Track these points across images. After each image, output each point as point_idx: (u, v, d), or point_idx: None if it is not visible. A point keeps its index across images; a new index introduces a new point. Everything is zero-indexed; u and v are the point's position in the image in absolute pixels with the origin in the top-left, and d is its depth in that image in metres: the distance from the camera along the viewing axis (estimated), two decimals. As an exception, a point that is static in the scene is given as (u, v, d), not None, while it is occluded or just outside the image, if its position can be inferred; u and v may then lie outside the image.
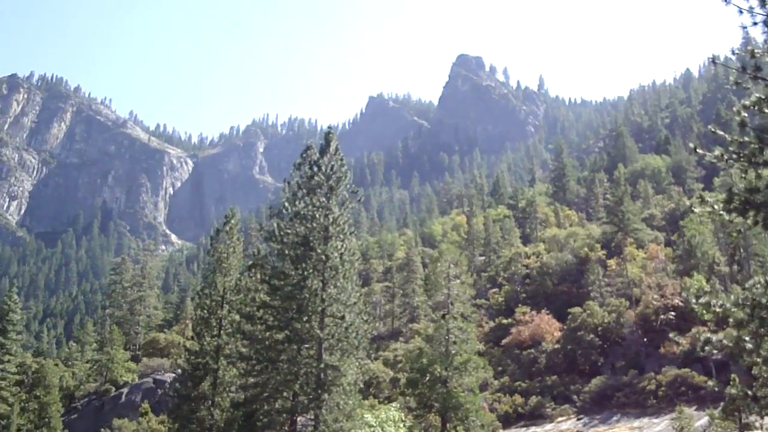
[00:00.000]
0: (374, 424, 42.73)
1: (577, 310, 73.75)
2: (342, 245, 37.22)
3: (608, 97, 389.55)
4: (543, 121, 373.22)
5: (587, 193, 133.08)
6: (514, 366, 72.17)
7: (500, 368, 71.90)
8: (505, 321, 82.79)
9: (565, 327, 73.91)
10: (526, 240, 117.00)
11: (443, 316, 46.62)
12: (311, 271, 36.49)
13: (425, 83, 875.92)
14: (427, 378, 44.52)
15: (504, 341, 77.64)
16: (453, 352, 44.70)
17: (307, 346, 36.28)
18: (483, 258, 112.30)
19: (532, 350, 73.08)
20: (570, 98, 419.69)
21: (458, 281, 51.67)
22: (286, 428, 36.61)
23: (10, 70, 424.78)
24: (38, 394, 64.34)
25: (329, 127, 42.21)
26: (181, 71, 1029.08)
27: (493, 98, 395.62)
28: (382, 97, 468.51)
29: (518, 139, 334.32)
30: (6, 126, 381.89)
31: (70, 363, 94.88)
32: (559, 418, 60.77)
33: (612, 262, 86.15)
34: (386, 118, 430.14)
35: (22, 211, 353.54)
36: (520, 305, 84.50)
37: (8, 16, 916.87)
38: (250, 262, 43.67)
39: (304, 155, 38.98)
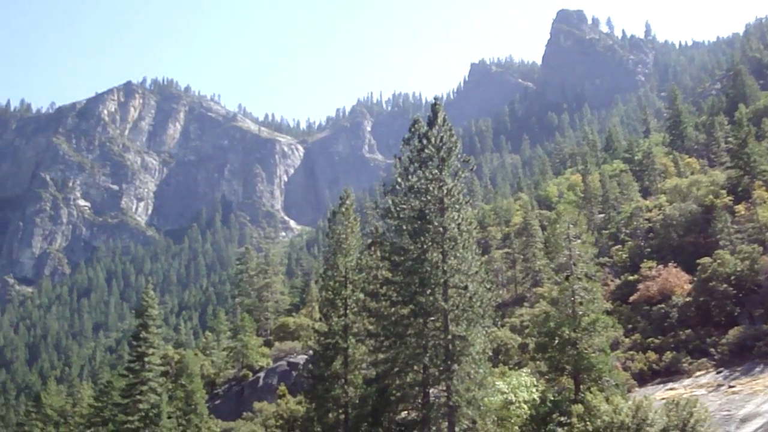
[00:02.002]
0: (506, 391, 42.74)
1: (706, 260, 70.96)
2: (458, 215, 37.18)
3: (722, 35, 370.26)
4: (653, 69, 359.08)
5: (707, 138, 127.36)
6: (644, 322, 70.30)
7: (630, 326, 70.18)
8: (631, 277, 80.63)
9: (695, 279, 71.31)
10: (645, 193, 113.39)
11: (567, 278, 45.86)
12: (430, 243, 36.64)
13: (527, 44, 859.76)
14: (556, 341, 43.94)
15: (632, 298, 75.65)
16: (580, 313, 43.97)
17: (432, 318, 36.57)
18: (602, 215, 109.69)
19: (662, 305, 70.87)
20: (680, 41, 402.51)
21: (579, 241, 50.58)
22: (419, 401, 37.10)
23: (125, 77, 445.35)
24: (183, 382, 67.52)
25: (435, 99, 42.01)
26: (283, 61, 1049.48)
27: (599, 51, 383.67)
28: (484, 63, 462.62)
29: (628, 90, 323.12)
30: (126, 132, 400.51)
31: (208, 352, 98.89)
32: (697, 373, 58.85)
33: (740, 208, 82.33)
34: (490, 84, 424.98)
35: (150, 212, 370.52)
36: (645, 260, 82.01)
37: (119, 28, 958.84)
38: (369, 241, 44.30)
39: (413, 129, 39.05)
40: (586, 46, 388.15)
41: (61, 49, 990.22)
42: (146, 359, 58.88)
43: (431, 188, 37.16)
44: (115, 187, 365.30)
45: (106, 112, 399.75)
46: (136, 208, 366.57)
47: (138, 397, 57.79)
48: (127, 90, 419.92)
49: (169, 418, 59.58)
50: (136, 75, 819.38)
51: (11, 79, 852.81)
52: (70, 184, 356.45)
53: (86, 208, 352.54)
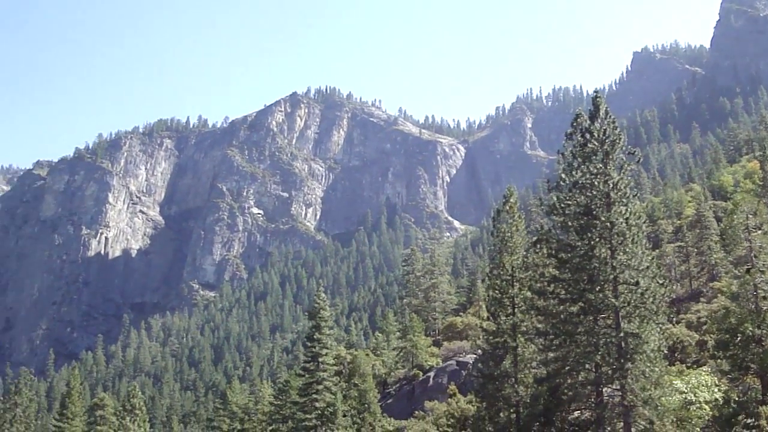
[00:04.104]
0: (685, 390, 41.03)
1: None
2: (626, 210, 36.25)
3: None
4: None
5: None
6: (840, 318, 65.24)
7: (824, 321, 65.36)
8: (822, 269, 75.04)
9: None
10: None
11: (747, 271, 43.50)
12: (597, 239, 35.96)
13: (692, 27, 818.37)
14: (738, 338, 41.70)
15: (824, 292, 70.41)
16: (764, 308, 41.54)
17: (603, 315, 35.85)
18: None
19: None
20: None
21: (760, 232, 47.89)
22: (593, 400, 36.46)
23: (291, 89, 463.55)
24: (356, 382, 69.65)
25: (595, 91, 41.26)
26: (440, 62, 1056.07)
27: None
28: (647, 51, 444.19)
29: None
30: (294, 141, 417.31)
31: (378, 352, 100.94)
32: None
33: None
34: (654, 72, 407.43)
35: (318, 217, 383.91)
36: (838, 250, 76.12)
37: (284, 41, 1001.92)
38: (535, 238, 43.80)
39: (575, 124, 38.49)
40: (761, 25, 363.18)
41: (233, 66, 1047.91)
42: (320, 359, 61.23)
43: (596, 183, 36.43)
44: (285, 194, 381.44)
45: (274, 123, 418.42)
46: (305, 214, 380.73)
47: (314, 395, 60.21)
48: (293, 100, 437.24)
49: (344, 416, 61.61)
50: (301, 86, 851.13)
51: (190, 98, 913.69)
52: (245, 194, 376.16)
53: (259, 215, 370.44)
